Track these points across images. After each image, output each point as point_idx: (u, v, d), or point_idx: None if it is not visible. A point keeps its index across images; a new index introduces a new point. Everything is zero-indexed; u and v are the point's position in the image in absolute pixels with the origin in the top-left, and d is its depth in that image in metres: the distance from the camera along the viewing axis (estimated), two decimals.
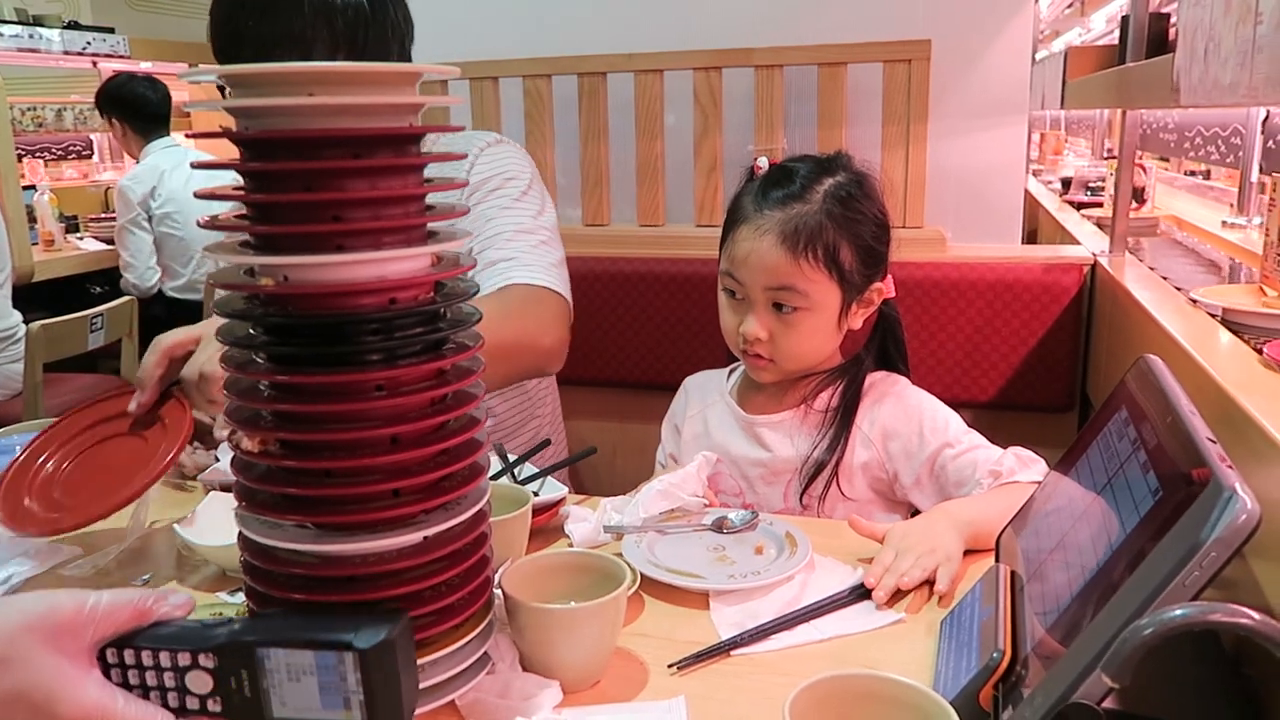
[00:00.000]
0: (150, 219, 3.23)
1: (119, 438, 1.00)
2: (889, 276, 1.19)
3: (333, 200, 0.62)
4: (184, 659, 0.58)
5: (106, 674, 0.59)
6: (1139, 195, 2.38)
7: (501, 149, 1.35)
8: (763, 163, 1.18)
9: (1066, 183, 3.35)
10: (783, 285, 1.11)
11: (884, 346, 1.23)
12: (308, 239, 0.62)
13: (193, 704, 0.59)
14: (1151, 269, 1.54)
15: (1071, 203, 2.91)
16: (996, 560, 0.84)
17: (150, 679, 0.59)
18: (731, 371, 1.30)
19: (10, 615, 0.56)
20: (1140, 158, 2.43)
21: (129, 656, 0.59)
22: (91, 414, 1.02)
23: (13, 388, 2.69)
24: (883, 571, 0.88)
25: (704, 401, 1.28)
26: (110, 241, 3.33)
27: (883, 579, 0.87)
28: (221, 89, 0.64)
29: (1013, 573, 0.78)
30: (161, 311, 3.27)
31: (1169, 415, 0.64)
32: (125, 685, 0.59)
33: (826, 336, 1.16)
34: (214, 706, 0.59)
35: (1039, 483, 1.01)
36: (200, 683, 0.58)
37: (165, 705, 0.59)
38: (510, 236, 1.26)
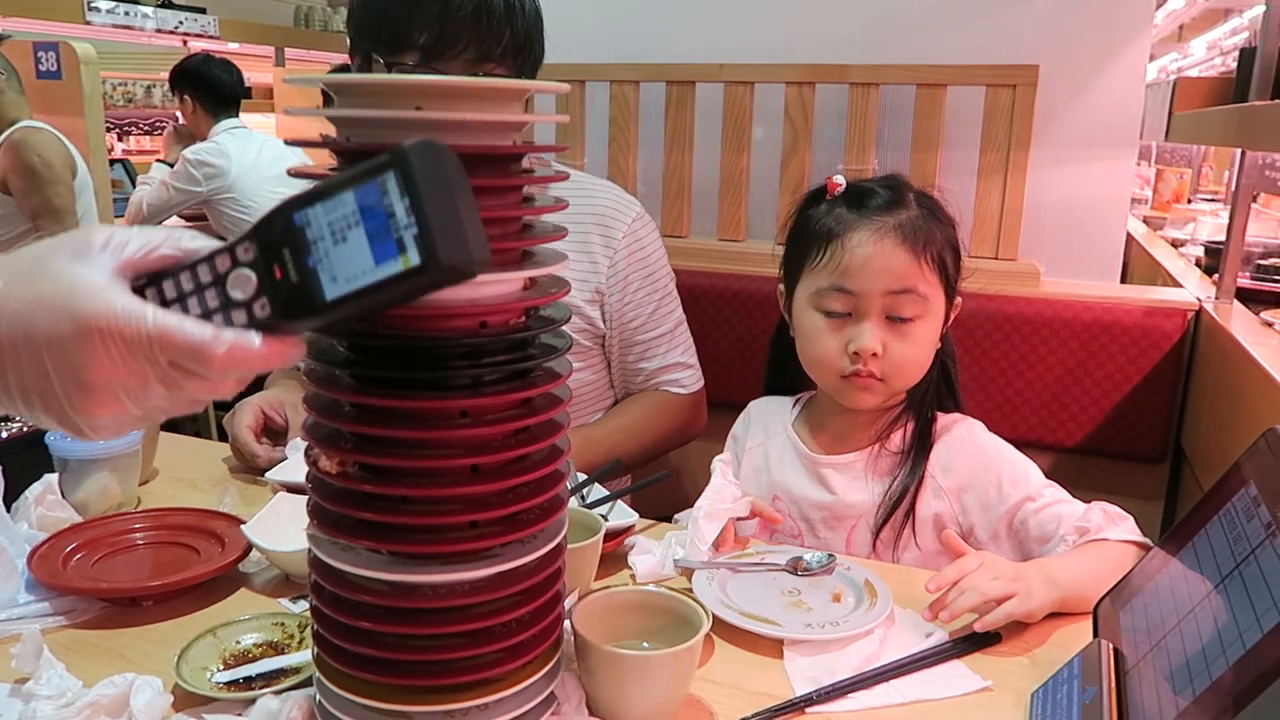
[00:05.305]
0: (206, 199, 3.26)
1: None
2: None
3: None
4: (223, 264, 0.51)
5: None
6: None
7: (649, 223, 1.41)
8: (840, 180, 1.12)
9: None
10: (905, 288, 1.05)
11: (941, 379, 1.16)
12: None
13: (239, 318, 0.51)
14: None
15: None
16: (1095, 634, 0.79)
17: (193, 306, 0.52)
18: (797, 402, 1.23)
19: (37, 246, 0.54)
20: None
21: (168, 289, 0.52)
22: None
23: None
24: (957, 573, 0.86)
25: (766, 433, 1.21)
26: (195, 218, 3.37)
27: (947, 574, 0.86)
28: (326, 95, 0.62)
29: (1116, 651, 0.73)
30: None
31: None
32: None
33: (933, 349, 1.10)
34: (261, 312, 0.51)
35: (1131, 542, 0.96)
36: (243, 285, 0.51)
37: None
38: (669, 335, 1.41)
